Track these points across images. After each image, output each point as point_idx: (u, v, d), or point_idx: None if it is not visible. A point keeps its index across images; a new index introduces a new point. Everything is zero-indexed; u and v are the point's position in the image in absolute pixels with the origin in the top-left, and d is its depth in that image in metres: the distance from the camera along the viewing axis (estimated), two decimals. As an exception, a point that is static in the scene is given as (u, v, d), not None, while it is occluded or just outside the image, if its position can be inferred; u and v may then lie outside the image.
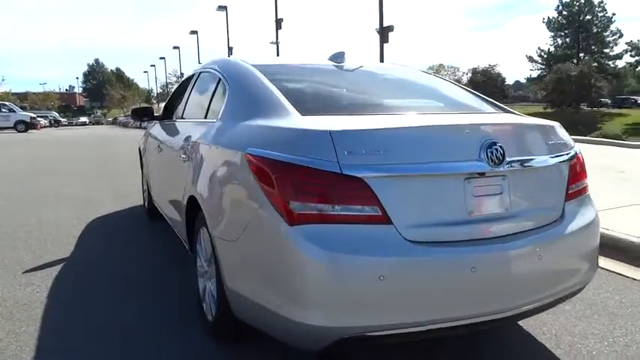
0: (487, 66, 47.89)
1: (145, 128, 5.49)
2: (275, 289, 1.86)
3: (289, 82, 2.56)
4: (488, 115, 2.43)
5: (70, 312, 2.93)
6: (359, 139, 1.84)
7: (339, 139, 1.80)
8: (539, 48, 49.65)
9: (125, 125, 50.02)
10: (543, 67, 46.83)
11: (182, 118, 3.56)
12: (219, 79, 2.89)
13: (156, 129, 4.29)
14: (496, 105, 2.71)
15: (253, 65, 2.72)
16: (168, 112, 4.34)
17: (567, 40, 47.70)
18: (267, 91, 2.37)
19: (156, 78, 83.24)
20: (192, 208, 2.73)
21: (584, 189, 2.33)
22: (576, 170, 2.28)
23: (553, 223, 2.11)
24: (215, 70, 3.04)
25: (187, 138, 2.93)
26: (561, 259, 2.08)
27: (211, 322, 2.50)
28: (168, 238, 4.37)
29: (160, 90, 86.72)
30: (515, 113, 2.61)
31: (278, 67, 2.84)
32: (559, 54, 46.71)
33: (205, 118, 2.93)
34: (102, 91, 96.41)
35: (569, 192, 2.22)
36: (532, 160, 2.07)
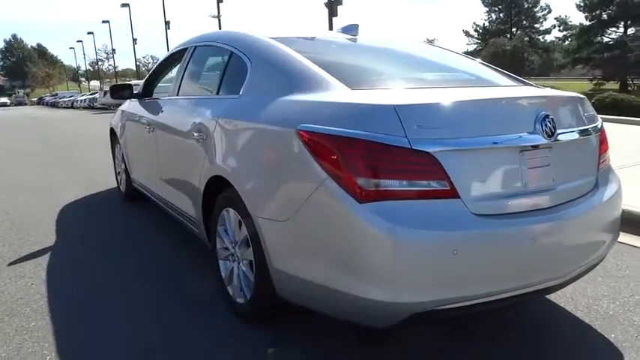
0: (426, 40, 48.75)
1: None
2: (342, 268, 1.82)
3: (320, 56, 2.46)
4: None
5: (76, 302, 2.75)
6: (425, 113, 1.81)
7: (405, 114, 1.77)
8: (474, 23, 51.18)
9: (54, 105, 47.10)
10: (479, 41, 48.47)
11: (178, 95, 3.36)
12: (232, 53, 2.75)
13: (139, 107, 4.04)
14: (517, 78, 2.75)
15: (274, 38, 2.60)
16: (150, 90, 4.11)
17: (501, 15, 49.42)
18: (302, 65, 2.27)
19: (84, 54, 78.49)
20: (212, 190, 2.61)
21: (608, 159, 2.43)
22: (603, 141, 2.37)
23: (590, 192, 2.19)
24: (223, 43, 2.88)
25: (200, 115, 2.77)
26: (598, 226, 2.17)
27: (244, 304, 2.43)
28: (155, 219, 4.19)
29: (89, 67, 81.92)
30: (535, 86, 2.66)
31: (300, 40, 2.72)
32: (493, 29, 48.33)
33: (218, 93, 2.78)
34: (23, 69, 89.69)
35: (600, 162, 2.31)
36: (575, 131, 2.13)
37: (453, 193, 1.78)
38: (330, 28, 18.89)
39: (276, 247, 2.08)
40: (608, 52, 36.89)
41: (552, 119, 1.99)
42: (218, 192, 2.60)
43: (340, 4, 18.31)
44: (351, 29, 2.99)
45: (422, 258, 1.73)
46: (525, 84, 2.68)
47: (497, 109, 1.96)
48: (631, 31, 39.37)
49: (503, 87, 2.43)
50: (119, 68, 77.66)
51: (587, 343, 2.33)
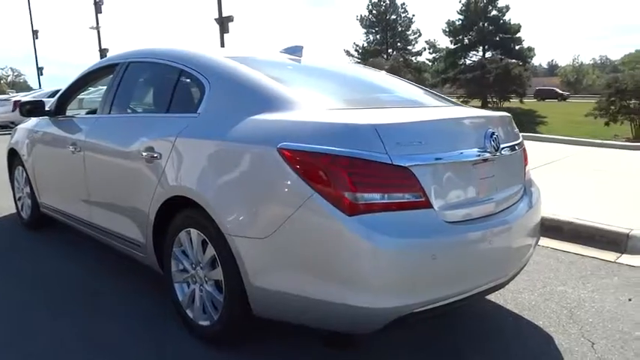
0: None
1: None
2: (331, 279, 1.91)
3: (280, 76, 2.54)
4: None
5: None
6: (400, 131, 1.99)
7: (385, 132, 1.93)
8: (354, 43, 53.88)
9: None
10: (360, 60, 51.15)
11: (110, 113, 3.20)
12: (182, 71, 2.72)
13: (55, 126, 3.75)
14: (445, 98, 3.06)
15: (229, 57, 2.62)
16: (64, 107, 3.85)
17: (378, 37, 52.61)
18: (269, 85, 2.34)
19: None
20: (165, 211, 2.55)
21: (528, 170, 2.81)
22: (525, 154, 2.74)
23: (520, 199, 2.52)
24: (169, 61, 2.83)
25: (148, 134, 2.67)
26: (529, 229, 2.51)
27: (209, 326, 2.39)
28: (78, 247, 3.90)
29: None
30: (462, 105, 2.99)
31: (255, 60, 2.76)
32: (372, 49, 51.26)
33: (167, 112, 2.72)
34: None
35: (525, 173, 2.67)
36: (510, 146, 2.45)
37: (427, 204, 1.97)
38: (222, 44, 18.76)
39: (255, 264, 2.10)
40: (470, 73, 40.94)
41: (497, 136, 2.28)
42: (173, 213, 2.54)
43: (231, 20, 18.31)
44: (295, 50, 3.11)
45: (407, 264, 1.90)
46: (455, 104, 3.00)
47: (456, 127, 2.22)
48: (488, 54, 44.30)
49: (447, 107, 2.70)
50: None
51: (521, 332, 2.65)
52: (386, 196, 1.90)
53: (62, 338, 2.54)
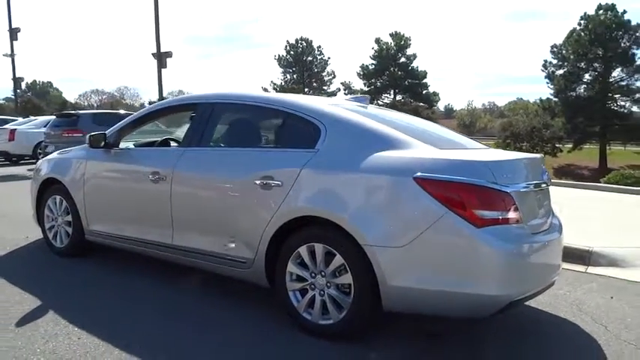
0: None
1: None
2: (461, 275, 2.58)
3: (381, 121, 3.22)
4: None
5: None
6: (500, 167, 2.75)
7: (492, 167, 2.67)
8: (272, 82, 55.40)
9: None
10: (277, 98, 52.50)
11: (199, 146, 3.65)
12: (289, 114, 3.29)
13: (122, 156, 4.10)
14: (471, 139, 3.88)
15: (331, 105, 3.28)
16: (119, 139, 4.20)
17: (295, 76, 54.73)
18: (384, 129, 3.03)
19: None
20: (285, 229, 3.06)
21: (552, 204, 3.67)
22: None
23: (554, 225, 3.31)
24: (277, 106, 3.45)
25: (267, 165, 3.18)
26: (559, 251, 3.22)
27: (331, 324, 2.90)
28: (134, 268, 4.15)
29: None
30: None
31: (350, 109, 3.38)
32: (289, 88, 53.04)
33: (279, 147, 3.31)
34: None
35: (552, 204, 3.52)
36: (548, 180, 3.29)
37: (521, 219, 2.72)
38: (159, 78, 18.82)
39: (391, 268, 2.69)
40: (383, 114, 44.00)
41: (546, 171, 3.12)
42: (288, 232, 3.05)
43: (170, 56, 18.49)
44: (362, 100, 3.80)
45: (516, 262, 2.64)
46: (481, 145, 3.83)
47: (528, 164, 3.04)
48: (399, 97, 47.78)
49: (486, 148, 3.53)
50: None
51: (553, 321, 3.45)
52: (498, 213, 2.62)
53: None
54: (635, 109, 36.53)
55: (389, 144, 2.92)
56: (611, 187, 10.93)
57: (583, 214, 7.09)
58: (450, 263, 2.61)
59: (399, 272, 2.70)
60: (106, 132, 4.22)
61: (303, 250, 3.01)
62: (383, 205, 2.78)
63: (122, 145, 4.27)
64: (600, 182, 11.73)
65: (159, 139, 4.70)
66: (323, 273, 2.95)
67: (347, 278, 2.85)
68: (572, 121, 35.55)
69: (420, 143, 2.96)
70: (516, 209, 2.70)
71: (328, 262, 2.92)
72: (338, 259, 2.87)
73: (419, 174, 2.67)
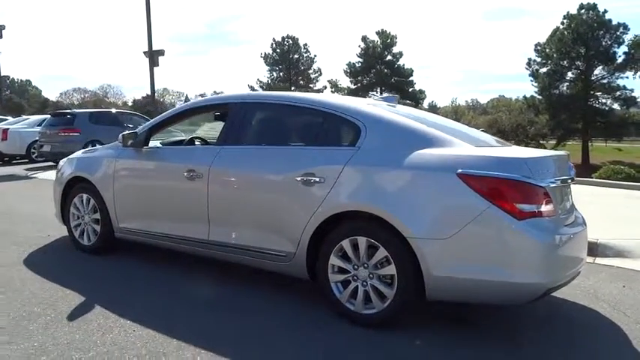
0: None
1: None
2: (503, 264, 2.76)
3: (415, 120, 3.39)
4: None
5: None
6: (535, 163, 2.94)
7: (529, 164, 2.86)
8: (258, 79, 55.29)
9: None
10: (264, 96, 52.43)
11: (237, 144, 3.79)
12: (327, 114, 3.44)
13: (154, 154, 4.21)
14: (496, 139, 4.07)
15: (370, 105, 3.42)
16: (149, 138, 4.30)
17: (281, 74, 54.68)
18: (424, 128, 3.20)
19: None
20: (327, 224, 3.21)
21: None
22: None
23: (578, 219, 3.51)
24: (307, 105, 3.60)
25: (310, 162, 3.32)
26: (584, 244, 3.39)
27: (374, 314, 3.07)
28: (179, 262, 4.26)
29: None
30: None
31: (386, 108, 3.55)
32: (275, 86, 53.01)
33: (318, 145, 3.43)
34: None
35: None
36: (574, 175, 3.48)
37: (556, 212, 2.91)
38: (152, 77, 18.72)
39: (436, 258, 2.86)
40: (370, 111, 44.27)
41: (571, 167, 3.32)
42: (331, 226, 3.20)
43: (162, 54, 18.42)
44: (391, 100, 3.96)
45: (552, 252, 2.83)
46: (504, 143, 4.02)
47: (557, 160, 3.23)
48: (385, 94, 48.03)
49: (510, 146, 3.72)
50: None
51: (576, 308, 3.66)
52: (535, 206, 2.81)
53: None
54: (615, 106, 37.36)
55: (429, 142, 3.09)
56: (602, 182, 11.30)
57: (581, 208, 7.34)
58: (492, 253, 2.79)
59: (443, 263, 2.87)
60: (137, 131, 4.32)
61: (345, 244, 3.16)
62: (427, 200, 2.95)
63: (151, 144, 4.37)
64: (592, 177, 12.08)
65: (184, 137, 4.80)
66: (366, 265, 3.10)
67: (390, 269, 3.01)
68: (556, 118, 36.23)
69: (458, 141, 3.14)
70: (550, 202, 2.88)
71: (371, 255, 3.08)
72: (381, 252, 3.03)
73: (462, 170, 2.84)
